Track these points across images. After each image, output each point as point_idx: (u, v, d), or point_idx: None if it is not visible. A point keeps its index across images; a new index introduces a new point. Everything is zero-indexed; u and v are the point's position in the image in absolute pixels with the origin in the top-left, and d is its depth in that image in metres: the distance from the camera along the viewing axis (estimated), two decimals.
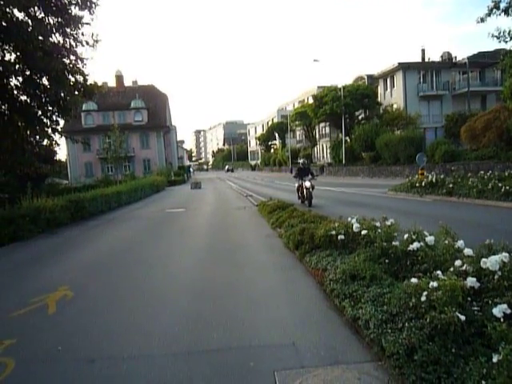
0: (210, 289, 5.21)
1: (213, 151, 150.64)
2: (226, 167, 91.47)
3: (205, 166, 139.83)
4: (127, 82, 55.27)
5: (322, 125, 50.20)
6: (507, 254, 3.27)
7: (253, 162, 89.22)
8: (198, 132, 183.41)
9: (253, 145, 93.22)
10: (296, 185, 14.73)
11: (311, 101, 47.10)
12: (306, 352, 3.29)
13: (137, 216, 15.11)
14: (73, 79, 14.57)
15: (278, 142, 70.76)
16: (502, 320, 2.70)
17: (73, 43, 14.25)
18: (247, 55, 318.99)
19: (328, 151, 47.57)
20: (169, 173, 44.80)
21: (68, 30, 14.03)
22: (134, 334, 3.85)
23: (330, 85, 44.43)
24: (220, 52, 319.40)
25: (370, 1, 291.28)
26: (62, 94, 14.20)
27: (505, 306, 2.79)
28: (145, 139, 50.71)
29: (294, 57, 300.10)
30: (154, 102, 51.98)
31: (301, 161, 14.99)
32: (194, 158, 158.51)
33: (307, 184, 13.48)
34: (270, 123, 75.55)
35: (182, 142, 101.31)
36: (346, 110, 38.32)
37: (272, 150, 74.67)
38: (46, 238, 10.60)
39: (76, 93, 14.83)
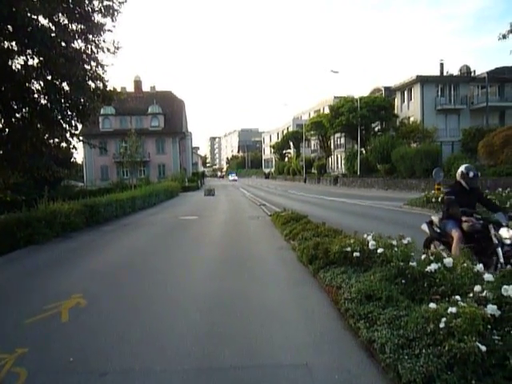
0: (223, 302, 5.17)
1: (227, 158, 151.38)
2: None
3: (218, 173, 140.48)
4: (145, 88, 56.11)
5: (337, 135, 50.07)
6: None
7: (267, 170, 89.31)
8: (213, 138, 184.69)
9: (267, 153, 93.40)
10: (430, 229, 6.27)
11: (327, 111, 47.12)
12: (320, 374, 3.23)
13: (150, 222, 15.21)
14: (93, 85, 14.81)
15: (292, 150, 70.74)
16: None
17: (94, 50, 14.51)
18: (264, 63, 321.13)
19: (343, 162, 47.36)
20: (183, 179, 45.14)
21: (90, 37, 14.31)
22: (146, 346, 3.83)
23: (346, 95, 44.44)
24: (237, 59, 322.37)
25: (389, 13, 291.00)
26: (82, 100, 14.43)
27: None
28: (160, 144, 51.28)
29: (311, 66, 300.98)
30: (170, 108, 52.60)
31: (464, 169, 5.95)
32: (208, 165, 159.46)
33: (506, 234, 5.19)
34: (285, 132, 75.66)
35: (197, 148, 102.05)
36: (362, 121, 38.19)
37: (286, 159, 74.68)
38: (60, 242, 10.73)
39: (95, 98, 15.06)
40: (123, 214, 17.31)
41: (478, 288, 3.50)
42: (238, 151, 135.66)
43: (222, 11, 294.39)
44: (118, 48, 14.82)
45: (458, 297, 3.43)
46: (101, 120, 48.39)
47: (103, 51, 14.68)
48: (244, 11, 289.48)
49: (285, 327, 4.24)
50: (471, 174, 5.87)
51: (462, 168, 6.06)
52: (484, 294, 3.42)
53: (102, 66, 14.79)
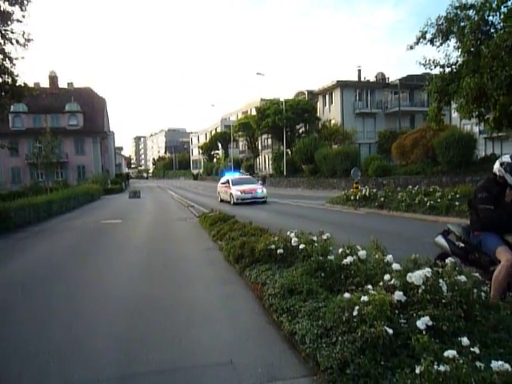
0: (146, 307, 5.03)
1: (153, 159, 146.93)
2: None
3: (144, 174, 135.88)
4: (62, 84, 52.42)
5: (264, 136, 51.13)
6: (429, 269, 3.53)
7: (195, 171, 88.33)
8: (137, 138, 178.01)
9: (195, 154, 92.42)
10: None
11: (254, 112, 47.86)
12: (244, 370, 3.29)
13: (69, 227, 14.26)
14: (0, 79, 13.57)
15: (220, 151, 70.86)
16: (424, 332, 2.90)
17: (1, 41, 13.33)
18: (191, 62, 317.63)
19: (270, 162, 48.47)
20: (105, 181, 42.95)
21: None
22: (63, 357, 3.60)
23: (272, 98, 45.60)
24: (162, 57, 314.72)
25: (313, 20, 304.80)
26: None
27: (427, 318, 3.00)
28: (80, 145, 48.19)
29: (239, 68, 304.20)
30: (90, 106, 49.71)
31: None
32: (133, 166, 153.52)
33: None
34: (213, 132, 75.53)
35: (121, 148, 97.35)
36: (288, 123, 39.43)
37: (215, 160, 74.57)
38: None
39: (3, 94, 13.80)
40: (38, 220, 16.02)
41: (387, 277, 3.81)
42: (165, 152, 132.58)
43: (147, 8, 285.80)
44: (28, 40, 13.77)
45: (369, 286, 3.71)
46: (11, 118, 44.19)
47: (11, 43, 13.56)
48: (171, 9, 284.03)
49: (210, 327, 4.24)
50: None
51: (505, 159, 4.18)
52: (392, 282, 3.72)
53: (11, 59, 13.63)
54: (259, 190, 20.98)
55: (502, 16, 12.69)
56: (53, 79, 51.28)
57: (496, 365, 2.34)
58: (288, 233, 6.12)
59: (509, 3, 12.60)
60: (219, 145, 70.16)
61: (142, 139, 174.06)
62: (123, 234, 11.89)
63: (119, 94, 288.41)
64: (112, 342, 3.95)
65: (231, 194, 20.82)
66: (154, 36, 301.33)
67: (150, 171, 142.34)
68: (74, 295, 5.65)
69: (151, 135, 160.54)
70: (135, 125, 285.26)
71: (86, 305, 5.21)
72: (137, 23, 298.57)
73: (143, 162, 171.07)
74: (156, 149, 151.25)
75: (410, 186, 16.35)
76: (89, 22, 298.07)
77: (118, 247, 9.70)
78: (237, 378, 3.18)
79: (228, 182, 21.99)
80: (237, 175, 25.59)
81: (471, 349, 2.63)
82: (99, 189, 34.61)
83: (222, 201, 22.63)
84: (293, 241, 5.64)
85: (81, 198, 25.75)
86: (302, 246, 5.36)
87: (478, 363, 2.44)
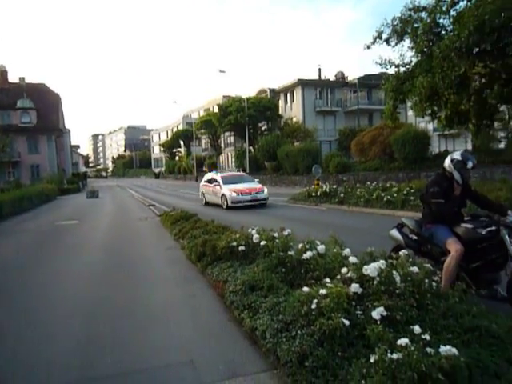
0: (106, 309, 4.89)
1: (113, 157, 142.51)
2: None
3: (104, 173, 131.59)
4: (13, 79, 49.68)
5: (227, 134, 50.96)
6: (384, 261, 3.65)
7: (157, 170, 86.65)
8: (95, 136, 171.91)
9: (156, 152, 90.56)
10: None
11: (216, 110, 47.54)
12: (205, 368, 3.28)
13: (21, 230, 13.57)
14: None
15: (183, 149, 69.88)
16: (379, 322, 3.00)
17: None
18: (151, 58, 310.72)
19: (233, 160, 48.41)
20: (61, 180, 41.20)
21: None
22: (17, 361, 3.46)
23: (234, 95, 45.49)
24: (119, 53, 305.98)
25: (275, 18, 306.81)
26: None
27: (382, 308, 3.11)
28: (33, 143, 45.84)
29: (201, 64, 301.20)
30: (44, 103, 47.38)
31: (461, 157, 4.26)
32: (91, 165, 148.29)
33: None
34: (174, 130, 74.38)
35: (78, 146, 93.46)
36: (250, 120, 39.49)
37: (177, 158, 73.46)
38: None
39: None
40: None
41: (344, 270, 3.90)
42: (125, 150, 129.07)
43: (104, 2, 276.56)
44: None
45: (327, 279, 3.79)
46: None
47: None
48: (129, 2, 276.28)
49: (171, 327, 4.19)
50: (470, 165, 4.19)
51: (456, 155, 4.33)
52: (349, 274, 3.82)
53: None
54: (259, 189, 16.87)
55: (451, 19, 13.32)
56: (2, 73, 48.46)
57: (444, 349, 2.46)
58: (250, 230, 6.14)
59: (457, 7, 13.25)
60: (181, 142, 69.12)
61: (101, 137, 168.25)
62: (79, 236, 11.45)
63: (75, 90, 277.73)
64: (69, 345, 3.82)
65: (223, 195, 16.58)
66: (112, 31, 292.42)
67: (110, 170, 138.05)
68: (28, 298, 5.40)
69: (110, 133, 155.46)
70: (93, 122, 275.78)
71: (41, 307, 4.99)
72: (93, 18, 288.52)
73: (102, 160, 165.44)
74: (115, 147, 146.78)
75: (369, 182, 16.84)
76: (42, 16, 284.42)
77: (75, 249, 9.33)
78: (197, 376, 3.16)
79: (216, 180, 17.67)
80: (230, 172, 21.38)
81: (422, 336, 2.74)
82: (54, 189, 33.18)
83: (207, 203, 18.66)
84: (254, 237, 5.66)
85: (35, 198, 24.57)
86: (263, 243, 5.39)
87: (428, 349, 2.55)
